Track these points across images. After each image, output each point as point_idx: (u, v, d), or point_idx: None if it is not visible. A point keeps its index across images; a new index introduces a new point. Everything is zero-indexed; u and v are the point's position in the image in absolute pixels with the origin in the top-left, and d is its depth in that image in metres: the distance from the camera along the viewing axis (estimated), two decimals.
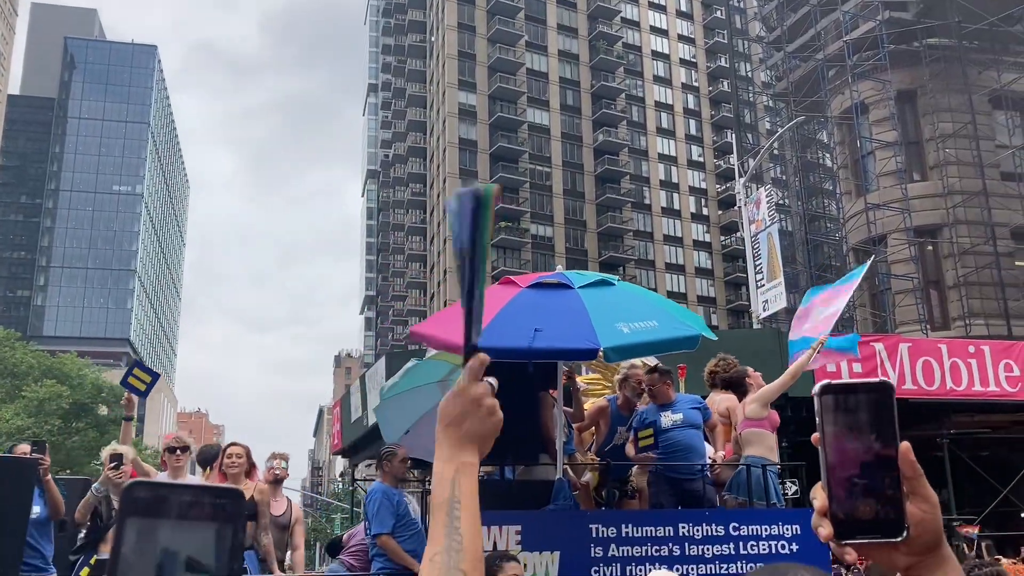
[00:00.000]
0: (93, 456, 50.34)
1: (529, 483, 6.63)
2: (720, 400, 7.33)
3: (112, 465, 6.41)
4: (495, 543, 5.67)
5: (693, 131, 78.69)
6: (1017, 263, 26.47)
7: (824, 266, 39.62)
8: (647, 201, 74.31)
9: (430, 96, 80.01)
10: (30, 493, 6.55)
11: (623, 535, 5.78)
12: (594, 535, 5.82)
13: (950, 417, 14.16)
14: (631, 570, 5.71)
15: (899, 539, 0.95)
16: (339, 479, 70.43)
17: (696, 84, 79.94)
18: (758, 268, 22.54)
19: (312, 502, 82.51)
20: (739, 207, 24.80)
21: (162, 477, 6.81)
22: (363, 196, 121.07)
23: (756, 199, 23.22)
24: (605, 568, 5.76)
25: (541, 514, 6.05)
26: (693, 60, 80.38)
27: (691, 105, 79.42)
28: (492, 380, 1.32)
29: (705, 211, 76.74)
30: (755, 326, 23.43)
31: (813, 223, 40.30)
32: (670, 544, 5.81)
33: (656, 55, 78.72)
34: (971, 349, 14.25)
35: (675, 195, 75.91)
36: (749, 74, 58.75)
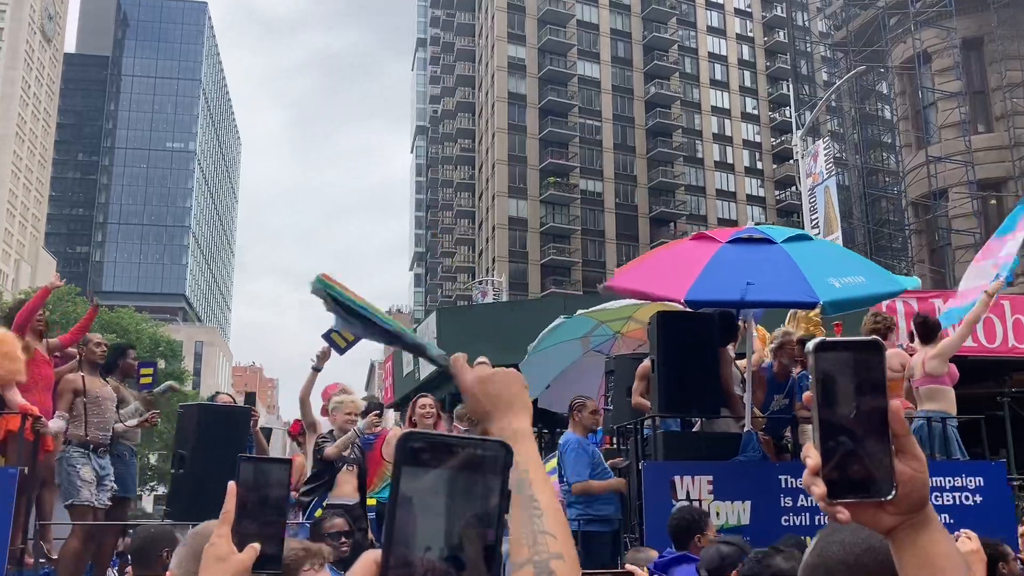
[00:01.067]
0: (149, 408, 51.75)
1: (713, 435, 6.75)
2: (891, 355, 7.22)
3: (375, 413, 6.82)
4: (687, 492, 5.98)
5: (748, 83, 76.96)
6: None
7: (882, 221, 38.73)
8: (699, 155, 73.15)
9: (479, 50, 79.34)
10: (244, 440, 7.06)
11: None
12: (783, 485, 6.09)
13: (1011, 375, 13.80)
14: (818, 519, 5.77)
15: (888, 498, 0.97)
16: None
17: (751, 34, 77.98)
18: (814, 222, 22.08)
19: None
20: (796, 160, 24.27)
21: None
22: (412, 152, 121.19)
23: (814, 152, 22.67)
24: (795, 517, 6.00)
25: (732, 465, 6.26)
26: (748, 9, 78.31)
27: (746, 56, 77.60)
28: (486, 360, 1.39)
29: (759, 165, 75.33)
30: None
31: (871, 177, 39.36)
32: None
33: (710, 4, 76.86)
34: None
35: (728, 149, 74.58)
36: (806, 23, 57.22)
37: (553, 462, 7.11)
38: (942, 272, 26.51)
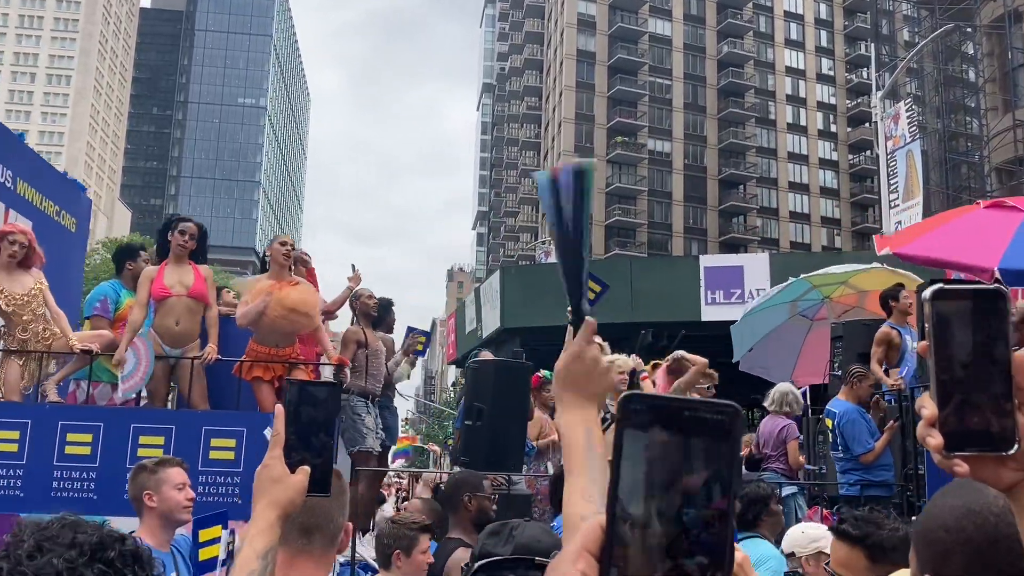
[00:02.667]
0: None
1: None
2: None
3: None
4: None
5: (824, 43, 74.59)
6: None
7: (961, 187, 37.40)
8: (772, 116, 71.40)
9: (548, 6, 78.31)
10: (527, 395, 7.39)
11: None
12: None
13: None
14: None
15: (1010, 452, 0.92)
16: (451, 388, 72.39)
17: None
18: (893, 187, 21.38)
19: (425, 409, 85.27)
20: (875, 122, 23.45)
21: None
22: (478, 110, 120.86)
23: (895, 114, 21.87)
24: None
25: None
26: None
27: (823, 15, 75.17)
28: (603, 342, 1.45)
29: (833, 128, 73.24)
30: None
31: (951, 142, 37.96)
32: None
33: None
34: None
35: (802, 111, 72.62)
36: None
37: None
38: None
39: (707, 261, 18.00)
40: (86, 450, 5.62)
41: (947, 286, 0.96)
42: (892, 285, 7.72)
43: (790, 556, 4.12)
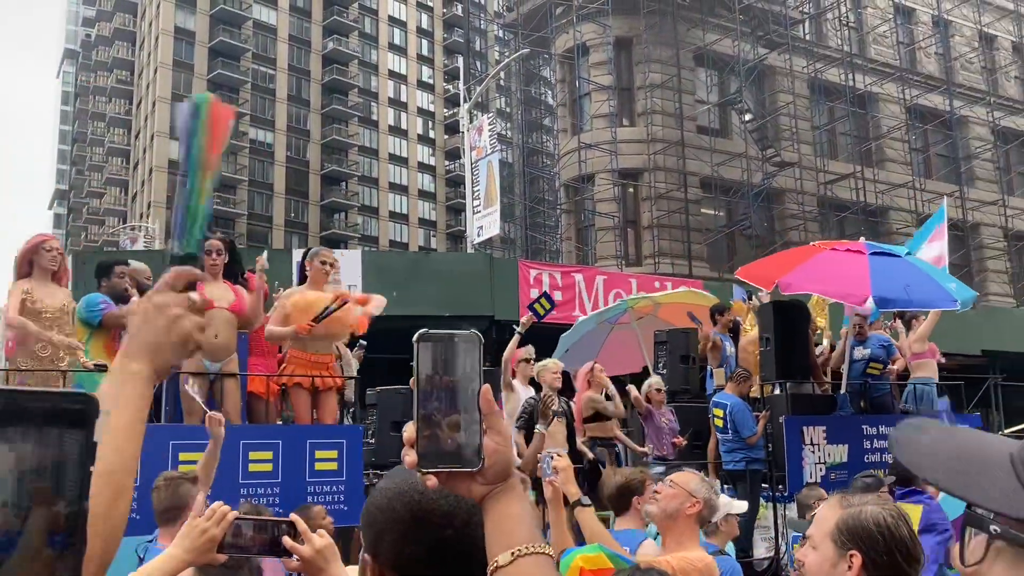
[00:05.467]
0: None
1: (811, 396, 9.09)
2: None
3: None
4: (811, 439, 8.18)
5: (425, 51, 78.24)
6: (703, 210, 29.23)
7: (538, 199, 41.41)
8: (375, 117, 73.21)
9: None
10: None
11: (880, 433, 8.50)
12: (864, 433, 8.52)
13: None
14: (887, 457, 7.62)
15: (475, 468, 1.09)
16: None
17: (431, 3, 79.28)
18: (476, 194, 23.03)
19: None
20: (462, 132, 25.09)
21: None
22: (58, 78, 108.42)
23: (479, 125, 23.58)
24: (872, 456, 8.33)
25: (835, 418, 8.75)
26: None
27: (424, 25, 78.78)
28: (195, 295, 1.31)
29: (432, 134, 77.10)
30: (469, 250, 24.05)
31: (531, 157, 41.86)
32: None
33: None
34: (656, 284, 15.75)
35: (403, 114, 75.42)
36: (483, 1, 59.22)
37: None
38: (584, 249, 28.95)
39: (300, 255, 17.85)
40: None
41: (431, 331, 1.12)
42: (717, 303, 10.53)
43: None
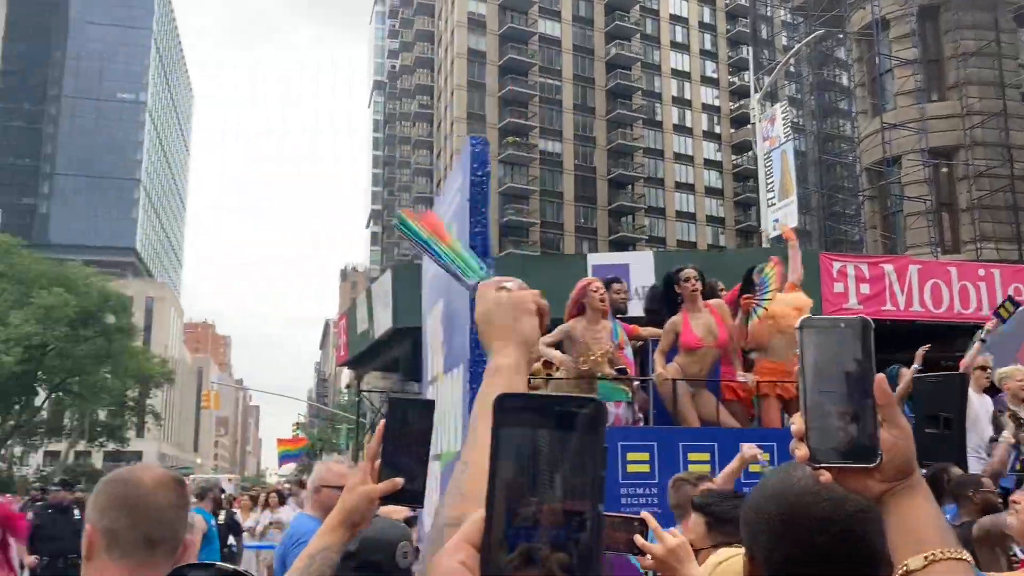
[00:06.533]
0: (101, 364, 50.87)
1: None
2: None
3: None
4: None
5: (708, 46, 76.86)
6: None
7: (836, 187, 39.20)
8: (658, 118, 73.12)
9: (438, 4, 78.07)
10: None
11: None
12: None
13: (957, 340, 14.08)
14: None
15: (872, 465, 1.01)
16: (344, 390, 71.36)
17: None
18: (770, 186, 22.21)
19: (318, 412, 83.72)
20: (753, 124, 24.32)
21: None
22: (369, 107, 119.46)
23: (771, 115, 22.72)
24: None
25: None
26: None
27: (707, 19, 77.40)
28: (542, 301, 1.35)
29: (717, 129, 75.56)
30: (764, 245, 23.23)
31: (827, 143, 39.73)
32: None
33: None
34: (981, 272, 14.08)
35: (687, 112, 74.62)
36: None
37: None
38: (893, 238, 26.91)
39: (595, 259, 18.21)
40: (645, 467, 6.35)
41: (815, 316, 1.06)
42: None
43: None
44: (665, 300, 7.04)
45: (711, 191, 74.36)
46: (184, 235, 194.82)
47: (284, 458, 30.63)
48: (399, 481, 1.50)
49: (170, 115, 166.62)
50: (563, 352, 6.61)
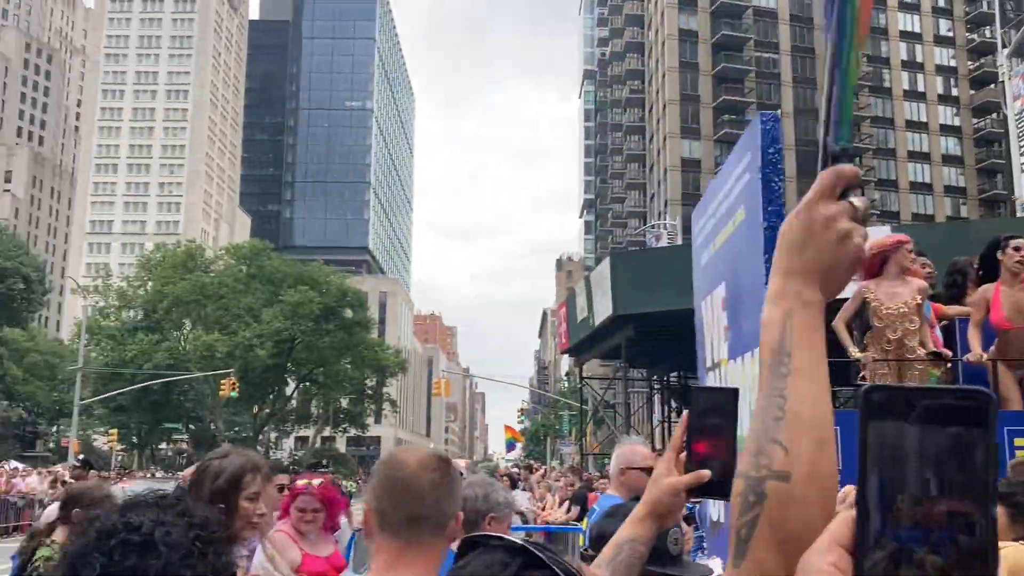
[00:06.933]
0: (342, 355, 54.62)
1: None
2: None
3: None
4: None
5: (942, 3, 70.88)
6: None
7: None
8: (887, 84, 68.36)
9: None
10: None
11: None
12: None
13: None
14: None
15: None
16: (565, 377, 72.40)
17: None
18: (1022, 149, 20.13)
19: (539, 399, 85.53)
20: (1001, 83, 22.11)
21: None
22: (580, 97, 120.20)
23: (1022, 72, 20.55)
24: None
25: None
26: None
27: None
28: (857, 200, 1.06)
29: (954, 92, 69.57)
30: (1018, 214, 21.10)
31: None
32: None
33: None
34: None
35: (919, 75, 69.24)
36: None
37: None
38: None
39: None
40: None
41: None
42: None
43: None
44: (985, 268, 6.22)
45: (949, 159, 68.60)
46: (411, 232, 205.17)
47: (510, 445, 31.75)
48: (705, 473, 1.45)
49: (394, 119, 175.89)
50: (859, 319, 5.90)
